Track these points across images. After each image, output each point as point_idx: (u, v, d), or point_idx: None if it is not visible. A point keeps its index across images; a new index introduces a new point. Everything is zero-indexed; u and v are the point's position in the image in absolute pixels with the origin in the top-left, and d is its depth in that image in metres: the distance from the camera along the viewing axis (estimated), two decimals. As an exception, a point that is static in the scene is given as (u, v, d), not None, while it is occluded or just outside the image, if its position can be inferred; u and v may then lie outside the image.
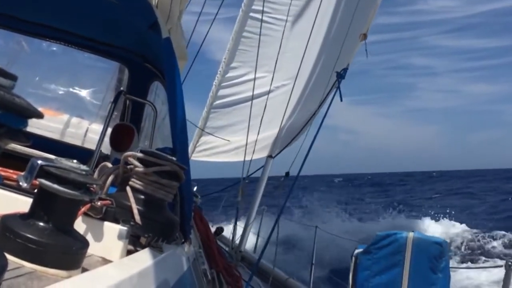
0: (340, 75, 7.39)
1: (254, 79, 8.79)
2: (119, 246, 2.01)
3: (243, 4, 9.58)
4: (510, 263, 5.64)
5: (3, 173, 2.23)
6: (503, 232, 22.93)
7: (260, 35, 8.65)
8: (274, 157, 8.82)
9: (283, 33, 8.86)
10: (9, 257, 1.44)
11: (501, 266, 5.70)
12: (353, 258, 6.09)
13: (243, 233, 8.59)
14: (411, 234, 5.88)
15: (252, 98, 8.82)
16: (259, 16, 9.15)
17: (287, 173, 8.78)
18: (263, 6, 8.76)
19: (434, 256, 5.80)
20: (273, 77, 8.84)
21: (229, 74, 9.86)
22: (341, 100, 7.39)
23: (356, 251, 6.12)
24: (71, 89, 5.90)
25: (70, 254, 1.61)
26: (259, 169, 8.98)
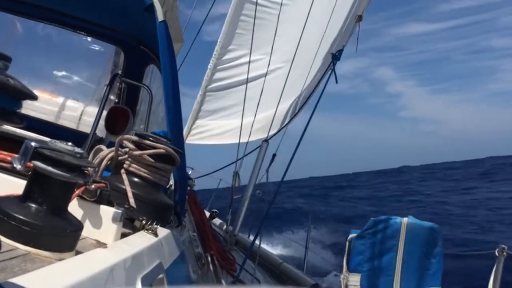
0: (335, 57, 7.37)
1: (249, 62, 8.76)
2: (113, 229, 2.01)
3: None
4: (502, 250, 5.66)
5: (-3, 155, 2.22)
6: None
7: (254, 18, 8.61)
8: (269, 139, 8.78)
9: (279, 16, 8.82)
10: (3, 239, 1.44)
11: (492, 251, 5.72)
12: (347, 243, 6.10)
13: (238, 217, 8.59)
14: (405, 220, 5.90)
15: (247, 80, 8.79)
16: None
17: (274, 155, 8.76)
18: None
19: (428, 241, 5.83)
20: (270, 60, 8.81)
21: (224, 57, 9.82)
22: (336, 82, 7.37)
23: (350, 235, 6.14)
24: (66, 72, 5.88)
25: (64, 237, 1.61)
26: (254, 150, 8.95)
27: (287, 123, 9.03)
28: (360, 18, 7.82)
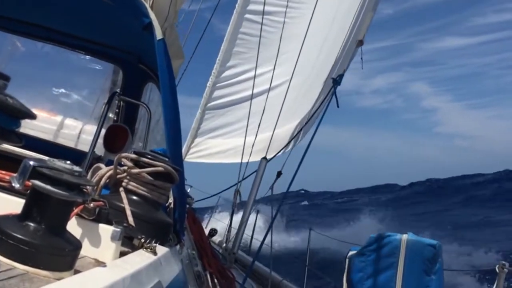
0: (336, 82, 7.38)
1: (254, 77, 8.79)
2: (112, 247, 2.00)
3: (237, 5, 9.60)
4: (503, 266, 5.64)
5: (-5, 174, 2.22)
6: None
7: (260, 37, 8.67)
8: (269, 160, 8.78)
9: (281, 35, 8.87)
10: (1, 258, 1.43)
11: (493, 269, 5.70)
12: (347, 260, 6.08)
13: (237, 235, 8.56)
14: (404, 236, 5.88)
15: (252, 98, 8.82)
16: (253, 17, 9.17)
17: (279, 172, 8.74)
18: (263, 8, 8.77)
19: (428, 258, 5.80)
20: (272, 77, 8.83)
21: (223, 75, 9.86)
22: (338, 107, 7.36)
23: (350, 253, 6.11)
24: (65, 90, 5.89)
25: (63, 256, 1.60)
26: (254, 172, 8.93)
27: (287, 145, 9.01)
28: (361, 43, 7.84)
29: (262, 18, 8.79)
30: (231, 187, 9.12)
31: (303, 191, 68.85)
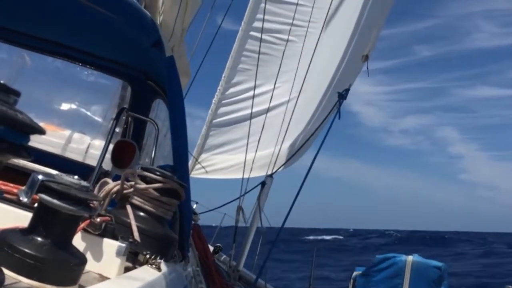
0: (342, 96, 7.38)
1: (253, 96, 8.83)
2: (117, 263, 2.01)
3: (242, 22, 9.64)
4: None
5: (3, 187, 2.23)
6: None
7: (259, 53, 8.70)
8: (272, 174, 8.76)
9: (284, 52, 8.91)
10: (6, 272, 1.44)
11: (500, 290, 5.68)
12: (352, 280, 6.06)
13: (241, 252, 8.54)
14: (410, 258, 5.86)
15: (251, 116, 8.85)
16: (259, 34, 9.19)
17: (264, 183, 8.70)
18: (262, 24, 8.81)
19: (433, 280, 5.77)
20: (272, 96, 8.87)
21: (229, 92, 9.87)
22: (339, 118, 7.35)
23: (355, 273, 6.10)
24: (73, 105, 5.92)
25: (68, 270, 1.61)
26: (257, 185, 8.92)
27: (290, 159, 9.00)
28: (366, 57, 7.87)
29: (261, 34, 8.82)
30: (233, 200, 9.09)
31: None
